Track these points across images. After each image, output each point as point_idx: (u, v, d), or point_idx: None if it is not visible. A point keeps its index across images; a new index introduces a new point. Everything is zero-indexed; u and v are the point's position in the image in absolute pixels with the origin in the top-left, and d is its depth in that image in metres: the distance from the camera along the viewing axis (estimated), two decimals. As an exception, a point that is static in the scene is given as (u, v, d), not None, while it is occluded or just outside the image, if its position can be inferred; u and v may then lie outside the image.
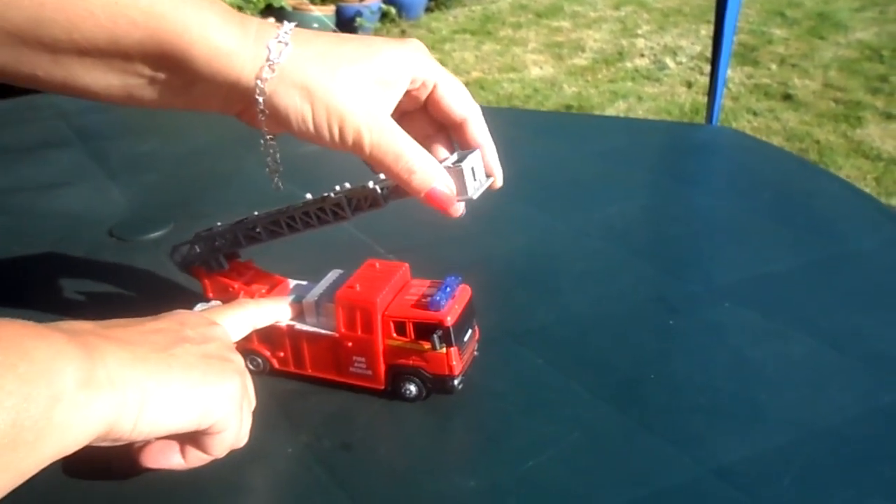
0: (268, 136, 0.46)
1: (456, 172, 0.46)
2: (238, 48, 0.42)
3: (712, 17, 1.23)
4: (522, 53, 4.23)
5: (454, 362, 0.50)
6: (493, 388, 0.55)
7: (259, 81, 0.42)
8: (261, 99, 0.43)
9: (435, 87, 0.47)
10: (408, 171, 0.44)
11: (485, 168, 0.49)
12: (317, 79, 0.43)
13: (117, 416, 0.35)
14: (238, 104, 0.45)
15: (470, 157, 0.47)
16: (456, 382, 0.51)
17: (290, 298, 0.54)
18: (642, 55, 4.12)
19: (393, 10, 4.65)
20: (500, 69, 4.00)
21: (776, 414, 0.52)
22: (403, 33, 4.57)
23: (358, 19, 4.40)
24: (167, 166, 1.03)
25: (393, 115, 0.45)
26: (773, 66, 3.86)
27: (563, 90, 3.71)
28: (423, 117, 0.50)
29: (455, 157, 0.49)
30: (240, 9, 4.21)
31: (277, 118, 0.44)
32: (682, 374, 0.56)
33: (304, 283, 0.57)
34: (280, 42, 0.42)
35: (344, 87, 0.43)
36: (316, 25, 4.20)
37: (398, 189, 0.47)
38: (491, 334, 0.58)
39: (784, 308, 0.64)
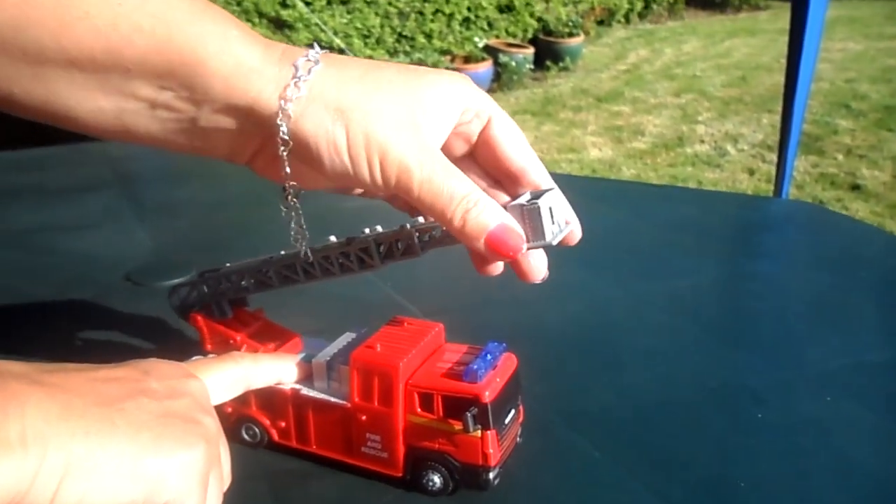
0: (290, 191, 0.38)
1: (531, 212, 0.37)
2: (261, 65, 0.35)
3: (774, 107, 1.16)
4: (582, 135, 4.20)
5: (490, 450, 0.40)
6: (538, 484, 0.44)
7: (283, 101, 0.35)
8: (283, 125, 0.35)
9: (489, 123, 0.39)
10: (463, 212, 0.35)
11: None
12: (354, 100, 0.35)
13: (27, 483, 0.27)
14: (252, 140, 0.37)
15: (547, 195, 0.38)
16: (492, 476, 0.41)
17: (299, 357, 0.45)
18: (702, 141, 4.04)
19: (453, 90, 4.71)
20: (560, 150, 3.97)
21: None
22: (462, 112, 4.62)
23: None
24: (199, 212, 0.99)
25: None
26: (840, 157, 3.73)
27: (622, 172, 3.64)
28: (471, 167, 0.41)
29: (527, 195, 0.39)
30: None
31: (303, 151, 0.36)
32: (774, 479, 0.45)
33: (321, 341, 0.48)
34: (309, 60, 0.35)
35: (387, 112, 0.35)
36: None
37: (443, 235, 0.39)
38: (538, 416, 0.48)
39: (894, 403, 0.53)
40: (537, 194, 0.38)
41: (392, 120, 0.35)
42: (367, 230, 0.43)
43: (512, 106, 4.76)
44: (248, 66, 0.35)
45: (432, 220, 0.39)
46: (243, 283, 0.47)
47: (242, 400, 0.46)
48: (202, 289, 0.48)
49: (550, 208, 0.38)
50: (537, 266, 0.39)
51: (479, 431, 0.40)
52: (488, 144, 0.40)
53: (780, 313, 0.69)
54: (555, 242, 0.37)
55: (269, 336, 0.49)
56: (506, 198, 0.40)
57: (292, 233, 0.40)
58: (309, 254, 0.42)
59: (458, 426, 0.40)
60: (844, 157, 3.71)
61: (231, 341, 0.48)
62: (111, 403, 0.31)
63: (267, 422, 0.46)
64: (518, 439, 0.45)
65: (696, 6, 7.87)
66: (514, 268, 0.39)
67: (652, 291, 0.72)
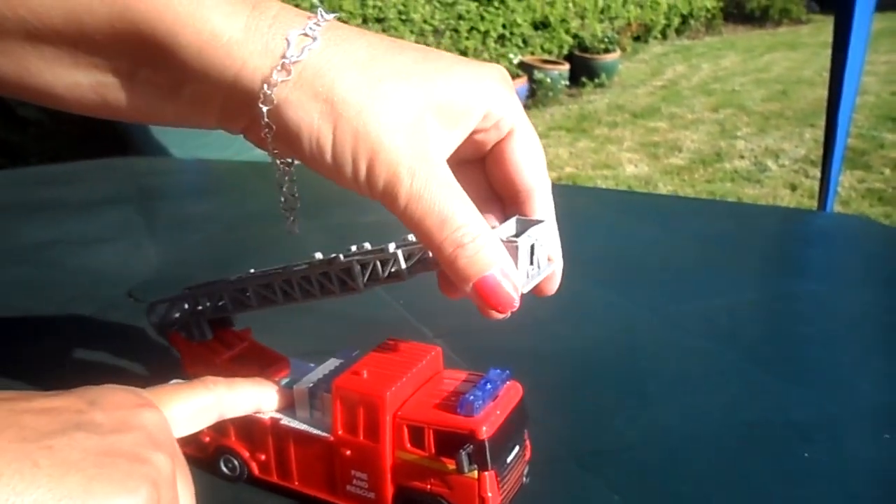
0: (278, 161, 0.33)
1: (508, 249, 0.32)
2: (242, 36, 0.30)
3: (817, 121, 1.09)
4: (617, 151, 4.13)
5: (489, 493, 0.35)
6: (547, 531, 0.39)
7: (266, 85, 0.30)
8: (265, 109, 0.30)
9: (509, 136, 0.34)
10: (454, 245, 0.30)
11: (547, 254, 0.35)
12: (348, 91, 0.30)
13: None
14: (240, 115, 0.32)
15: (534, 229, 0.33)
16: (489, 523, 0.35)
17: (282, 383, 0.41)
18: (742, 157, 3.93)
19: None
20: (594, 166, 3.90)
21: None
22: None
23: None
24: (216, 228, 0.96)
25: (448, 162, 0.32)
26: (887, 171, 3.59)
27: (659, 188, 3.55)
28: (476, 176, 0.36)
29: (513, 223, 0.34)
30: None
31: (286, 138, 0.31)
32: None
33: (311, 365, 0.44)
34: (305, 35, 0.30)
35: (386, 109, 0.30)
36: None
37: (432, 259, 0.34)
38: (549, 453, 0.42)
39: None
40: (525, 225, 0.34)
41: (392, 118, 0.30)
42: (353, 247, 0.38)
43: (547, 122, 4.71)
44: (226, 38, 0.30)
45: None
46: (220, 302, 0.42)
47: (220, 429, 0.42)
48: (181, 306, 0.44)
49: (532, 246, 0.33)
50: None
51: (476, 472, 0.35)
52: (502, 158, 0.35)
53: (827, 337, 0.63)
54: (525, 290, 0.32)
55: (254, 359, 0.44)
56: (493, 220, 0.35)
57: (281, 200, 0.35)
58: (296, 228, 0.37)
59: (451, 465, 0.35)
60: (892, 172, 3.58)
61: (212, 363, 0.43)
62: (37, 440, 0.27)
63: (246, 454, 0.41)
64: (524, 479, 0.39)
65: (734, 21, 7.74)
66: None
67: (683, 312, 0.66)
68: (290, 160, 0.34)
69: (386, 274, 0.36)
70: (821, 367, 0.58)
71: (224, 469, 0.42)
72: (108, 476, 0.27)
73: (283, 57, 0.30)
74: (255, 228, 0.95)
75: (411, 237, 0.36)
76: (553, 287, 0.36)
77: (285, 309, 0.42)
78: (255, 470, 0.41)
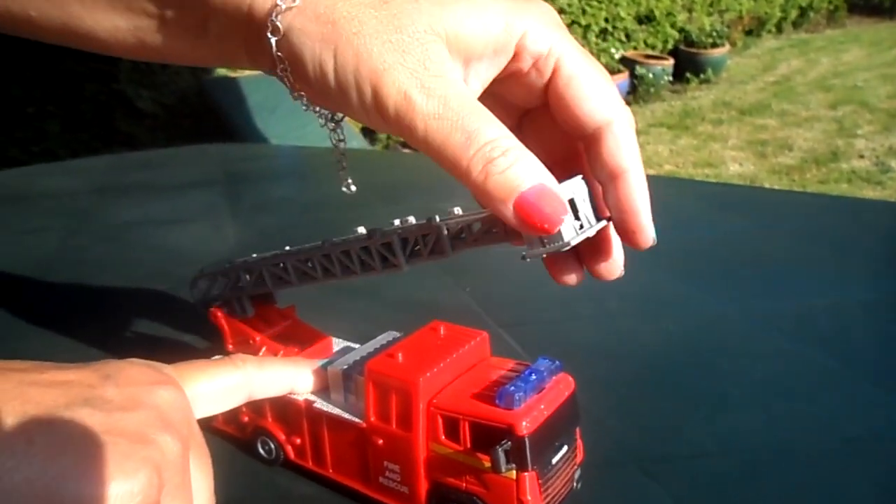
0: (315, 109, 0.32)
1: None
2: None
3: None
4: (721, 149, 3.93)
5: (529, 496, 0.31)
6: (598, 544, 0.35)
7: (274, 13, 0.28)
8: (273, 40, 0.29)
9: (556, 72, 0.30)
10: (484, 161, 0.26)
11: (598, 206, 0.31)
12: (353, 11, 0.28)
13: None
14: (263, 52, 0.30)
15: (568, 183, 0.29)
16: (529, 530, 0.32)
17: (318, 363, 0.39)
18: (861, 156, 3.65)
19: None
20: (696, 164, 3.73)
21: None
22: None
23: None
24: (292, 211, 0.97)
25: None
26: None
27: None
28: (547, 126, 0.32)
29: None
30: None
31: (296, 69, 0.29)
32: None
33: (356, 346, 0.41)
34: None
35: (391, 27, 0.27)
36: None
37: (479, 232, 0.31)
38: (608, 458, 0.38)
39: None
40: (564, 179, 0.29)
41: (397, 36, 0.27)
42: (396, 221, 0.35)
43: (647, 119, 4.55)
44: None
45: (471, 211, 0.31)
46: (260, 278, 0.40)
47: (258, 409, 0.40)
48: (221, 282, 0.43)
49: (573, 200, 0.29)
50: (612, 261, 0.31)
51: (513, 472, 0.31)
52: (557, 101, 0.30)
53: (948, 348, 0.55)
54: (573, 243, 0.28)
55: (295, 338, 0.42)
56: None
57: (339, 162, 0.34)
58: (352, 186, 0.34)
59: (488, 462, 0.31)
60: None
61: (250, 341, 0.42)
62: (37, 415, 0.25)
63: (282, 436, 0.39)
64: (575, 485, 0.35)
65: (859, 13, 7.22)
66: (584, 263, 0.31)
67: (778, 312, 0.59)
68: (331, 114, 0.32)
69: (429, 250, 0.33)
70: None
71: (261, 451, 0.41)
72: (106, 456, 0.26)
73: None
74: (332, 212, 0.95)
75: (457, 209, 0.32)
76: (612, 270, 0.32)
77: (343, 290, 0.40)
78: (291, 454, 0.39)
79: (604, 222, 0.31)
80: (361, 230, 0.36)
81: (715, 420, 0.45)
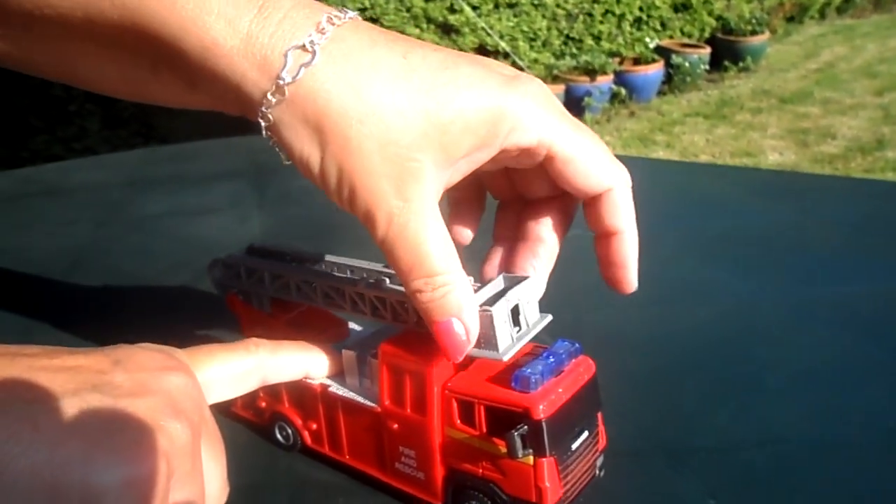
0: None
1: (482, 318, 0.31)
2: (242, 46, 0.28)
3: None
4: (760, 139, 3.83)
5: (547, 483, 0.30)
6: (623, 535, 0.33)
7: (263, 104, 0.29)
8: (263, 125, 0.30)
9: (552, 156, 0.31)
10: (419, 288, 0.30)
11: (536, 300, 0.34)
12: (338, 120, 0.28)
13: None
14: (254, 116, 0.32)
15: (512, 291, 0.32)
16: (547, 518, 0.30)
17: (332, 347, 0.38)
18: (910, 145, 3.53)
19: (623, 92, 4.50)
20: (733, 153, 3.65)
21: None
22: (632, 115, 4.40)
23: (586, 99, 4.30)
24: (319, 201, 0.96)
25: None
26: None
27: (806, 178, 3.26)
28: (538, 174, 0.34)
29: (497, 284, 0.33)
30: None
31: (285, 149, 0.30)
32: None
33: (371, 331, 0.40)
34: (304, 50, 0.28)
35: (372, 145, 0.28)
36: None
37: None
38: (637, 447, 0.37)
39: None
40: (511, 282, 0.33)
41: (377, 156, 0.29)
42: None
43: (683, 108, 4.47)
44: (228, 47, 0.28)
45: None
46: (288, 286, 0.40)
47: (275, 395, 0.39)
48: (240, 276, 0.42)
49: (514, 310, 0.32)
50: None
51: (532, 458, 0.30)
52: (553, 174, 0.32)
53: None
54: (506, 357, 0.31)
55: (312, 322, 0.41)
56: (494, 267, 0.36)
57: None
58: None
59: (504, 448, 0.30)
60: None
61: (267, 327, 0.41)
62: (45, 400, 0.25)
63: (299, 422, 0.39)
64: (598, 472, 0.34)
65: (907, -3, 6.98)
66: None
67: (816, 299, 0.57)
68: None
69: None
70: None
71: (279, 437, 0.40)
72: (113, 443, 0.25)
73: (279, 77, 0.28)
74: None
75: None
76: (627, 282, 0.34)
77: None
78: (308, 439, 0.39)
79: (548, 318, 0.33)
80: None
81: (749, 410, 0.43)
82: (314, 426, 0.38)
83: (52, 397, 0.25)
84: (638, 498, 0.35)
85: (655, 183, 0.91)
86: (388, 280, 0.35)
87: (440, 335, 0.30)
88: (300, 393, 0.38)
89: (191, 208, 0.96)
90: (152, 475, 0.25)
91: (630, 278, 0.33)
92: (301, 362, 0.37)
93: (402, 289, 0.34)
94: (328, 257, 0.39)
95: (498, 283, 0.33)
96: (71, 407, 0.25)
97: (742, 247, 0.69)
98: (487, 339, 0.31)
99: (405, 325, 0.34)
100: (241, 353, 0.35)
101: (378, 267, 0.37)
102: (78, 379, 0.27)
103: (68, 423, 0.25)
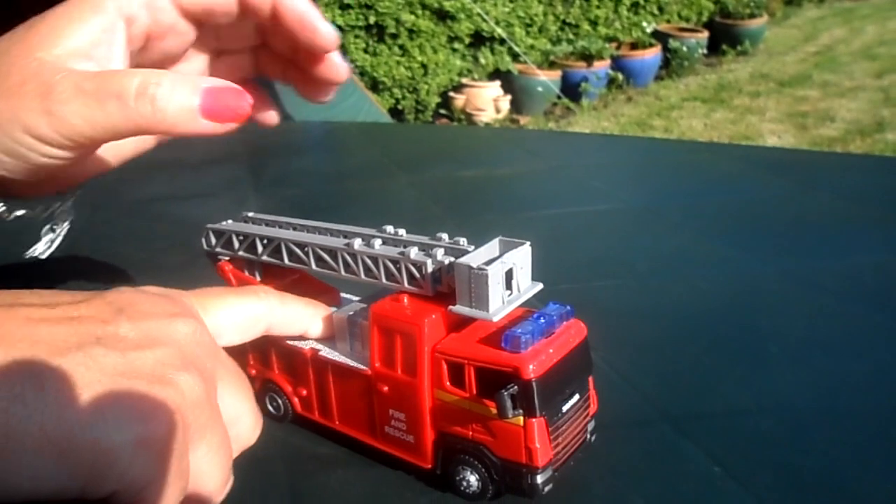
0: None
1: (477, 278, 0.30)
2: None
3: None
4: (758, 122, 3.82)
5: (537, 444, 0.29)
6: (623, 500, 0.32)
7: None
8: None
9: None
10: (147, 99, 0.29)
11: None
12: None
13: None
14: None
15: (508, 255, 0.32)
16: (539, 480, 0.29)
17: (330, 311, 0.37)
18: (909, 127, 3.52)
19: (620, 77, 4.48)
20: (732, 137, 3.63)
21: None
22: (630, 100, 4.38)
23: (583, 84, 4.28)
24: (314, 183, 0.96)
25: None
26: None
27: (805, 161, 3.25)
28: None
29: (493, 247, 0.33)
30: (469, 72, 4.31)
31: None
32: None
33: (361, 298, 0.39)
34: None
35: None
36: (540, 89, 4.16)
37: None
38: (641, 415, 0.36)
39: None
40: (506, 246, 0.32)
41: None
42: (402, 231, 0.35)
43: (681, 93, 4.45)
44: None
45: None
46: (278, 254, 0.39)
47: (265, 361, 0.39)
48: (232, 242, 0.41)
49: (510, 271, 0.31)
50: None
51: (521, 418, 0.29)
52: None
53: None
54: (500, 315, 0.30)
55: (303, 291, 0.40)
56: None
57: None
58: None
59: (494, 409, 0.29)
60: None
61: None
62: (48, 357, 0.24)
63: (289, 388, 0.38)
64: (588, 437, 0.33)
65: (906, -21, 6.93)
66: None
67: (821, 270, 0.56)
68: None
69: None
70: None
71: (269, 407, 0.39)
72: (122, 401, 0.24)
73: None
74: (351, 182, 0.94)
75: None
76: (321, 33, 0.36)
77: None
78: (298, 406, 0.38)
79: (539, 286, 0.32)
80: (390, 230, 0.35)
81: (753, 378, 0.42)
82: (304, 392, 0.37)
83: (55, 353, 0.24)
84: (644, 465, 0.34)
85: (655, 160, 0.90)
86: (380, 241, 0.34)
87: (214, 108, 0.30)
88: (290, 358, 0.37)
89: (186, 192, 0.95)
90: (166, 432, 0.24)
91: (318, 23, 0.35)
92: (304, 317, 0.36)
93: (394, 249, 0.33)
94: (320, 223, 0.39)
95: (493, 247, 0.32)
96: (76, 364, 0.24)
97: (743, 221, 0.68)
98: (480, 298, 0.30)
99: (397, 286, 0.33)
100: (252, 298, 0.34)
101: (370, 231, 0.36)
102: (81, 331, 0.25)
103: (74, 382, 0.24)
